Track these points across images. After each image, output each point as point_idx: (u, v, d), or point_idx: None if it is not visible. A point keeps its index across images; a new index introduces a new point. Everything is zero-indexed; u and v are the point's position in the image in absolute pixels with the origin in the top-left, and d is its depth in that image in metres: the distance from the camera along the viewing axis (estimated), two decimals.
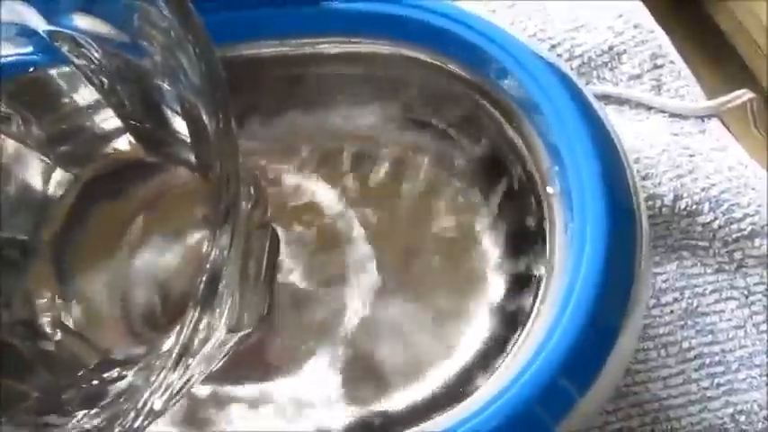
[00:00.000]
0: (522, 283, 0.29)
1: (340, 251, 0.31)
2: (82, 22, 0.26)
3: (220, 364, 0.27)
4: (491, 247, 0.30)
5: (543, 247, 0.28)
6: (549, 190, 0.28)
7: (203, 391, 0.30)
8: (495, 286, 0.30)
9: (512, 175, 0.30)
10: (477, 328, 0.29)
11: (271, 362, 0.30)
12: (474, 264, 0.30)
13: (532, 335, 0.26)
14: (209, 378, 0.29)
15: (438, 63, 0.30)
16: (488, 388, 0.26)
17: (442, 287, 0.30)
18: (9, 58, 0.28)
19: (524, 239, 0.29)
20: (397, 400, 0.29)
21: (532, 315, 0.27)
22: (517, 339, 0.27)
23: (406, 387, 0.29)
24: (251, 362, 0.30)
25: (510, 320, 0.29)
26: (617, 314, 0.26)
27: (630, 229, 0.26)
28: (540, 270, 0.28)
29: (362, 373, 0.30)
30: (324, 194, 0.32)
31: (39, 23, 0.27)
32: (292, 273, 0.31)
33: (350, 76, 0.31)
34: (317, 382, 0.30)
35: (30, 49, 0.28)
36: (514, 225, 0.30)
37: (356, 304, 0.31)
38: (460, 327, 0.29)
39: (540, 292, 0.27)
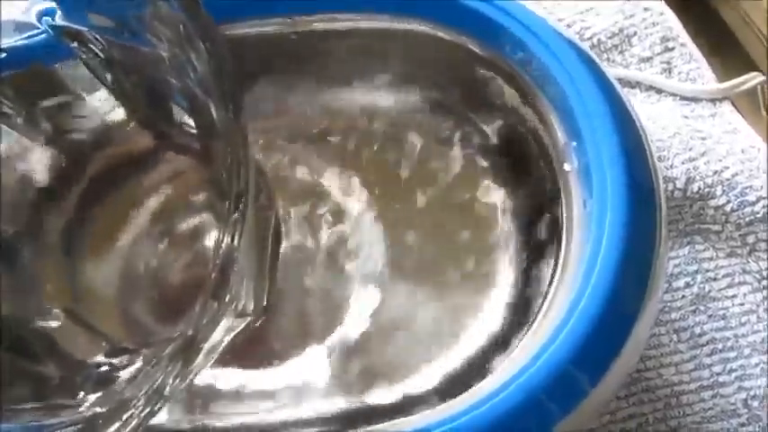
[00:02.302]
0: (538, 264, 0.28)
1: (348, 234, 0.31)
2: (91, 17, 0.26)
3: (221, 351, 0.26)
4: (506, 229, 0.30)
5: (560, 228, 0.27)
6: (566, 167, 0.27)
7: (203, 380, 0.29)
8: (510, 268, 0.29)
9: (528, 153, 0.29)
10: (490, 312, 0.29)
11: (270, 349, 0.30)
12: (488, 246, 0.30)
13: (548, 319, 0.25)
14: (211, 367, 0.28)
15: (455, 41, 0.29)
16: (498, 376, 0.25)
17: (455, 270, 0.30)
18: (16, 52, 0.28)
19: (541, 220, 0.29)
20: (400, 389, 0.29)
21: (548, 297, 0.26)
22: (532, 324, 0.26)
23: (410, 375, 0.29)
24: (251, 349, 0.30)
25: (525, 302, 0.28)
26: (635, 299, 0.25)
27: (650, 208, 0.26)
28: (557, 251, 0.27)
29: (367, 361, 0.29)
30: (334, 178, 0.32)
31: (47, 19, 0.27)
32: (297, 258, 0.31)
33: (364, 54, 0.31)
34: (316, 370, 0.29)
35: (37, 43, 0.28)
36: (531, 205, 0.29)
37: (363, 289, 0.30)
38: (472, 312, 0.29)
39: (558, 273, 0.26)
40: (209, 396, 0.29)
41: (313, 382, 0.29)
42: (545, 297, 0.27)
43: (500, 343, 0.28)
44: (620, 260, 0.25)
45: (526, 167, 0.29)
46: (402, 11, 0.29)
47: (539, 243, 0.29)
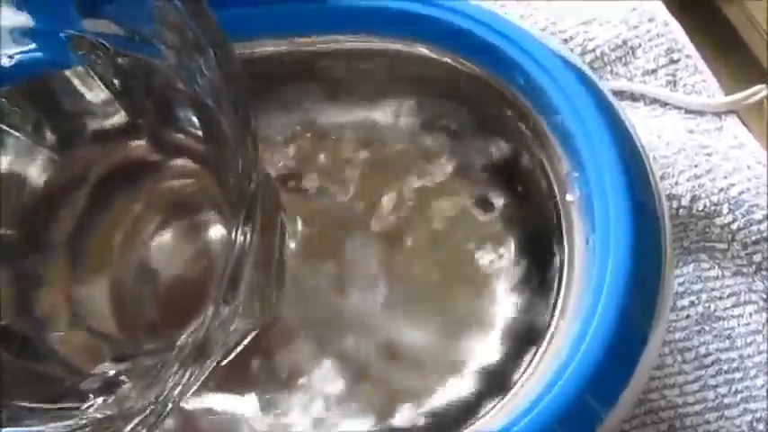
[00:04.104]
0: (537, 296, 0.28)
1: (348, 251, 0.31)
2: (97, 24, 0.26)
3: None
4: (505, 257, 0.29)
5: (561, 258, 0.27)
6: (569, 197, 0.27)
7: (207, 398, 0.29)
8: (510, 299, 0.29)
9: (528, 181, 0.29)
10: (490, 342, 0.28)
11: (274, 365, 0.29)
12: (487, 274, 0.29)
13: (551, 351, 0.25)
14: (214, 383, 0.28)
15: (453, 63, 0.29)
16: (507, 408, 0.25)
17: (454, 298, 0.29)
18: (22, 60, 0.28)
19: (541, 249, 0.28)
20: (404, 416, 0.28)
21: (550, 329, 0.26)
22: (534, 355, 0.26)
23: (413, 403, 0.28)
24: (253, 366, 0.29)
25: (525, 335, 0.27)
26: (643, 326, 0.25)
27: (656, 238, 0.25)
28: (558, 282, 0.27)
29: (366, 384, 0.29)
30: (333, 194, 0.31)
31: (53, 26, 0.27)
32: (301, 271, 0.30)
33: (362, 74, 0.31)
34: (320, 387, 0.29)
35: (43, 50, 0.28)
36: (531, 234, 0.29)
37: (363, 309, 0.30)
38: (472, 341, 0.28)
39: (559, 306, 0.26)
40: (206, 417, 0.29)
41: (310, 400, 0.29)
42: (549, 326, 0.27)
43: (503, 374, 0.27)
44: (627, 290, 0.24)
45: (527, 195, 0.29)
46: (402, 33, 0.29)
47: (541, 272, 0.28)
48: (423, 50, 0.29)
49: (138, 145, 0.30)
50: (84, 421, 0.24)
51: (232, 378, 0.29)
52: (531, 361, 0.26)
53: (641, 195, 0.25)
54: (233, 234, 0.21)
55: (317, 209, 0.31)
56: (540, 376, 0.25)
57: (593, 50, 0.38)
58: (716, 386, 0.33)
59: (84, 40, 0.27)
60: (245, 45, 0.30)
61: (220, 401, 0.29)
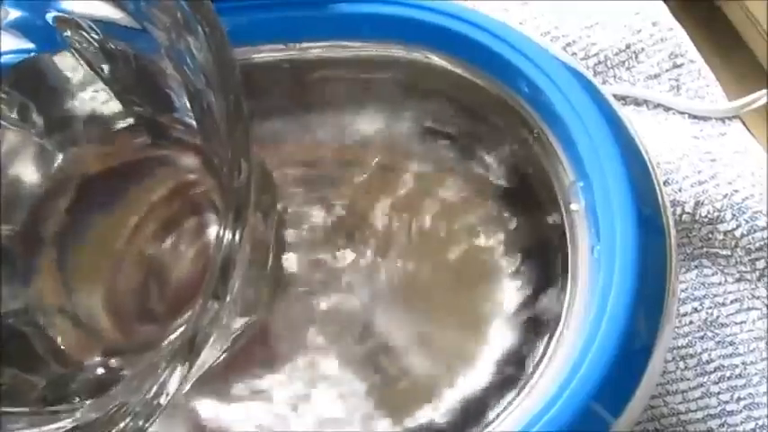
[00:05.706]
0: (543, 306, 0.28)
1: (350, 255, 0.31)
2: (85, 5, 0.26)
3: (224, 355, 0.26)
4: (510, 267, 0.29)
5: (566, 268, 0.27)
6: (573, 207, 0.27)
7: (207, 391, 0.29)
8: (514, 309, 0.29)
9: (533, 190, 0.29)
10: (494, 353, 0.28)
11: (272, 358, 0.29)
12: (491, 285, 0.29)
13: (557, 360, 0.25)
14: (213, 377, 0.28)
15: (456, 71, 0.29)
16: (513, 418, 0.25)
17: (457, 308, 0.29)
18: (9, 45, 0.27)
19: (546, 259, 0.28)
20: (408, 424, 0.28)
21: (555, 339, 0.26)
22: (540, 365, 0.26)
23: (416, 410, 0.28)
24: (252, 359, 0.29)
25: (530, 345, 0.27)
26: (649, 335, 0.25)
27: (661, 247, 0.25)
28: (563, 292, 0.26)
29: (374, 388, 0.29)
30: (338, 202, 0.31)
31: (41, 8, 0.27)
32: (302, 271, 0.31)
33: (366, 82, 0.30)
34: (328, 387, 0.29)
35: (31, 35, 0.27)
36: (536, 244, 0.29)
37: (362, 313, 0.30)
38: (475, 351, 0.28)
39: (564, 316, 0.26)
40: (208, 408, 0.29)
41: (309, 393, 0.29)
42: (554, 336, 0.26)
43: (507, 383, 0.27)
44: (632, 300, 0.24)
45: (532, 205, 0.29)
46: (403, 41, 0.29)
47: (546, 281, 0.28)
48: (425, 58, 0.29)
49: (132, 134, 0.29)
50: (71, 424, 0.24)
51: (235, 376, 0.29)
52: (536, 371, 0.26)
53: (646, 204, 0.25)
54: (224, 227, 0.21)
55: (322, 214, 0.31)
56: (546, 387, 0.25)
57: (596, 55, 0.38)
58: (718, 393, 0.33)
59: (70, 21, 0.26)
60: (246, 51, 0.30)
61: (221, 402, 0.29)
